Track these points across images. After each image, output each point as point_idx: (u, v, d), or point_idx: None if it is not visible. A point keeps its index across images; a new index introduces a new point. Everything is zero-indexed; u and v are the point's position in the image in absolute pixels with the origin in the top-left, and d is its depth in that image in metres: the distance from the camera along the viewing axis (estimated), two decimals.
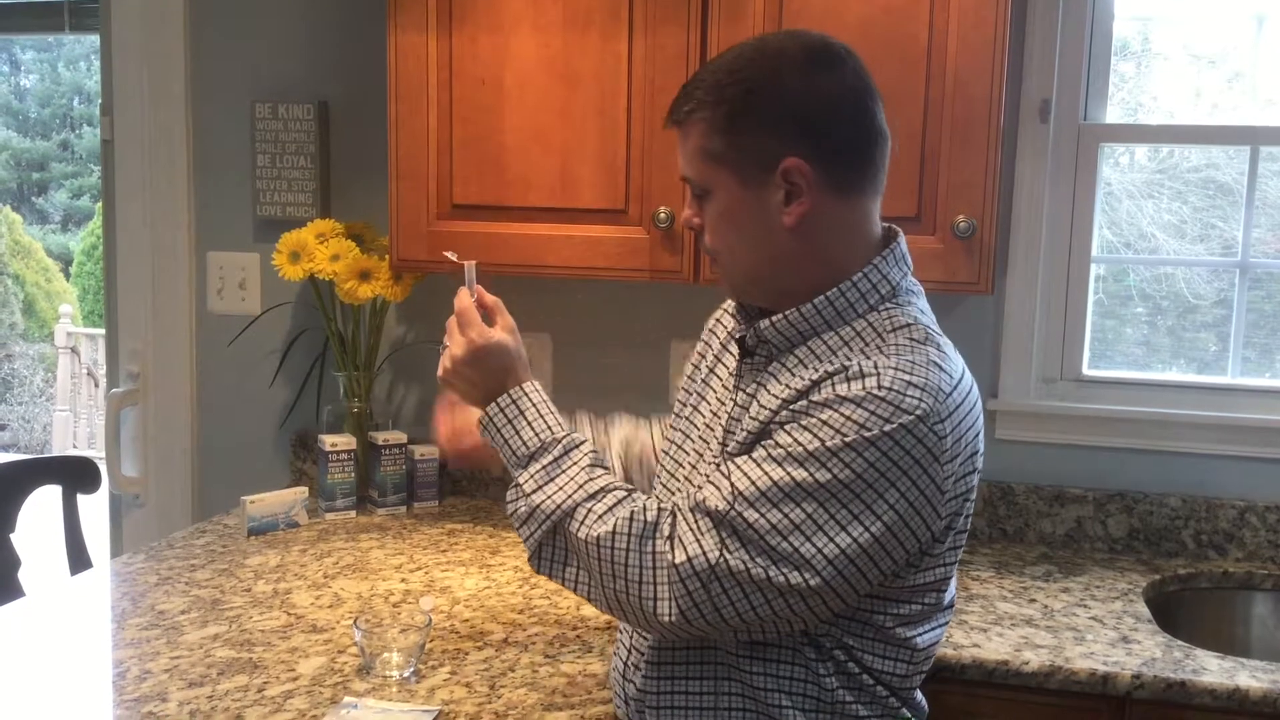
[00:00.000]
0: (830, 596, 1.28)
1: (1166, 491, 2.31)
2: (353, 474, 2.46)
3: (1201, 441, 2.29)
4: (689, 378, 1.60)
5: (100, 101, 2.79)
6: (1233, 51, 2.35)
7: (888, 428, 1.26)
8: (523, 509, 1.38)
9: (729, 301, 1.59)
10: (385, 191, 2.28)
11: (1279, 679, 1.70)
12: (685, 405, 1.57)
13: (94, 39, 2.86)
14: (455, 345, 1.46)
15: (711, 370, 1.55)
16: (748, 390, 1.42)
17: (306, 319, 2.67)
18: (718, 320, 1.61)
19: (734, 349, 1.50)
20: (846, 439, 1.26)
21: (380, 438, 2.47)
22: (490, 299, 1.51)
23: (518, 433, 1.41)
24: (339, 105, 2.63)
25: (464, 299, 1.49)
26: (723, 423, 1.45)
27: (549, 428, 1.41)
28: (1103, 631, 1.88)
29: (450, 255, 1.65)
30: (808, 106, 1.35)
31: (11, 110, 13.80)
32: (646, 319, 2.51)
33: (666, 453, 1.57)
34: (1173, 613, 2.12)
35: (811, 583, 1.26)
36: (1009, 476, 2.37)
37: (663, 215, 2.09)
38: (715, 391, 1.51)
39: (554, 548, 1.37)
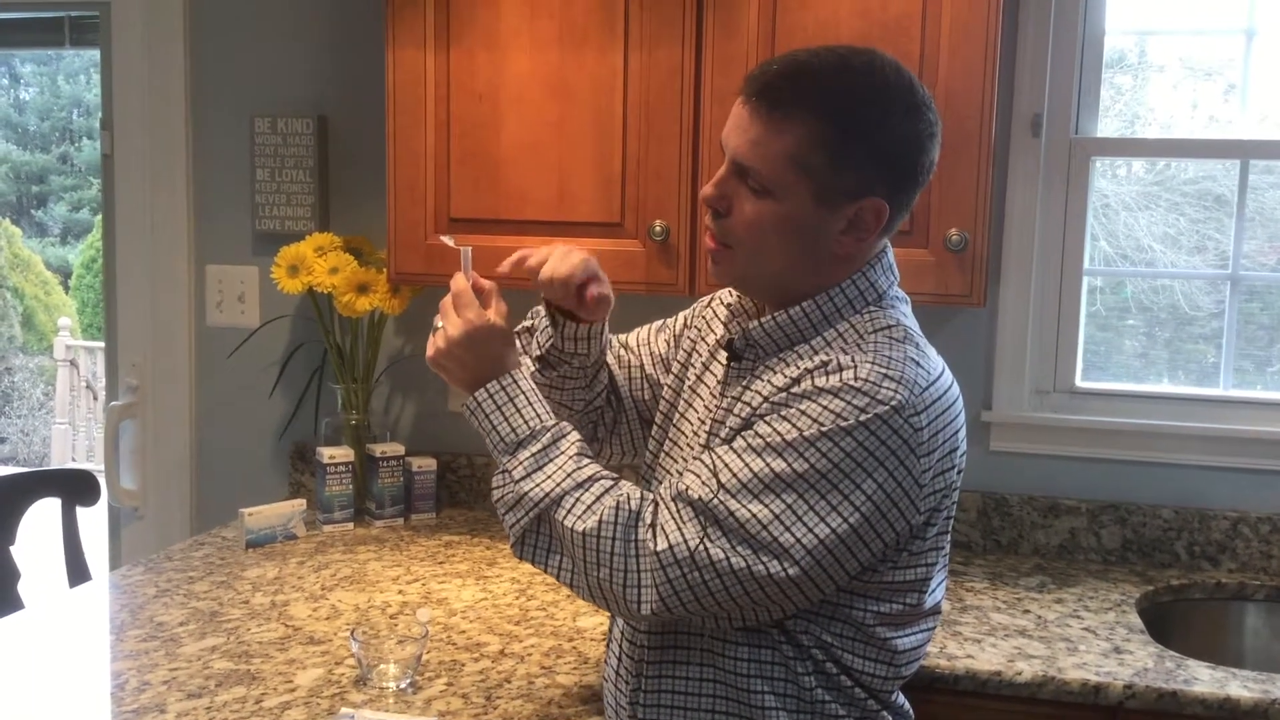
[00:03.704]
0: (808, 586, 1.31)
1: (1159, 503, 2.32)
2: (350, 486, 2.47)
3: (1194, 453, 2.30)
4: (678, 376, 1.60)
5: (100, 116, 2.81)
6: (1228, 64, 2.37)
7: (863, 418, 1.28)
8: (510, 495, 1.39)
9: (722, 292, 1.60)
10: (383, 205, 2.29)
11: (1269, 689, 1.72)
12: (674, 408, 1.58)
13: (94, 53, 2.88)
14: (451, 326, 1.45)
15: (699, 378, 1.56)
16: (733, 394, 1.44)
17: (305, 332, 2.68)
18: (708, 321, 1.60)
19: (722, 356, 1.52)
20: (824, 428, 1.29)
21: (378, 450, 2.48)
22: (486, 283, 1.50)
23: (506, 419, 1.41)
24: (338, 120, 2.65)
25: (460, 281, 1.48)
26: (708, 429, 1.46)
27: (538, 415, 1.42)
28: (1095, 642, 1.89)
29: (447, 240, 1.64)
30: (902, 152, 1.37)
31: (11, 123, 13.83)
32: None
33: (654, 456, 1.58)
34: (1166, 624, 2.13)
35: (790, 572, 1.29)
36: (1003, 488, 2.39)
37: (658, 228, 2.11)
38: (703, 398, 1.53)
39: (538, 535, 1.38)
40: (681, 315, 1.67)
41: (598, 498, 1.35)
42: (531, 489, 1.37)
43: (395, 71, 2.22)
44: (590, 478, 1.37)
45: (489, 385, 1.43)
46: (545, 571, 1.39)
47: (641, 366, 1.68)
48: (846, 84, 1.35)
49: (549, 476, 1.37)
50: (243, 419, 2.76)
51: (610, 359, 1.69)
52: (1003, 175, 2.32)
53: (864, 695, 1.41)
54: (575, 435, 1.42)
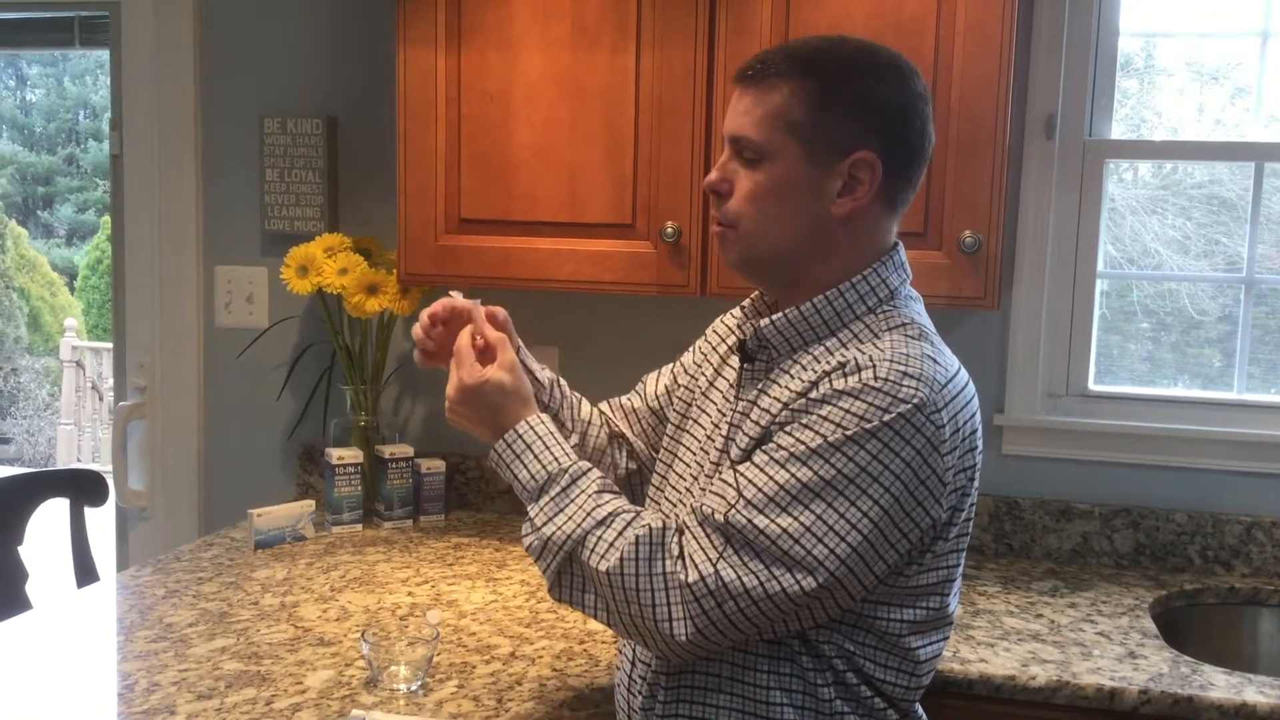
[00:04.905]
0: (840, 593, 1.30)
1: (1173, 507, 2.31)
2: (359, 487, 2.47)
3: (1208, 457, 2.29)
4: (687, 388, 1.60)
5: (109, 116, 2.81)
6: (1236, 68, 2.36)
7: (887, 418, 1.27)
8: (535, 543, 1.39)
9: (731, 311, 1.60)
10: (393, 206, 2.29)
11: None
12: (686, 417, 1.57)
13: (101, 54, 2.87)
14: (449, 386, 1.49)
15: (711, 383, 1.55)
16: (748, 398, 1.43)
17: (314, 333, 2.68)
18: (719, 335, 1.61)
19: (734, 361, 1.51)
20: (848, 432, 1.28)
21: (387, 451, 2.48)
22: (493, 336, 1.52)
23: (525, 467, 1.43)
24: (348, 120, 2.64)
25: (463, 339, 1.51)
26: (723, 432, 1.45)
27: (555, 459, 1.42)
28: (1109, 647, 1.88)
29: (455, 295, 1.64)
30: (890, 106, 1.38)
31: (17, 124, 13.86)
32: (653, 333, 2.52)
33: (667, 465, 1.57)
34: (1179, 628, 2.12)
35: (823, 582, 1.28)
36: (1015, 492, 2.37)
37: (670, 229, 2.10)
38: (715, 403, 1.52)
39: (571, 575, 1.38)
40: (687, 351, 1.68)
41: (619, 533, 1.34)
42: (554, 532, 1.37)
43: (406, 72, 2.21)
44: (611, 514, 1.36)
45: (506, 436, 1.45)
46: (584, 612, 1.39)
47: (640, 410, 1.70)
48: (829, 49, 1.40)
49: (570, 518, 1.37)
50: (251, 420, 2.75)
51: (620, 422, 1.72)
52: (1016, 177, 2.31)
53: (883, 706, 1.40)
54: (595, 473, 1.42)
